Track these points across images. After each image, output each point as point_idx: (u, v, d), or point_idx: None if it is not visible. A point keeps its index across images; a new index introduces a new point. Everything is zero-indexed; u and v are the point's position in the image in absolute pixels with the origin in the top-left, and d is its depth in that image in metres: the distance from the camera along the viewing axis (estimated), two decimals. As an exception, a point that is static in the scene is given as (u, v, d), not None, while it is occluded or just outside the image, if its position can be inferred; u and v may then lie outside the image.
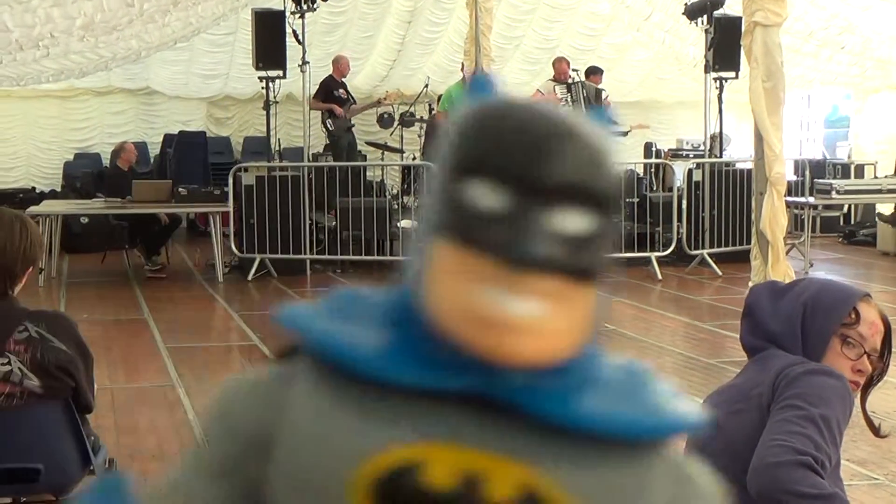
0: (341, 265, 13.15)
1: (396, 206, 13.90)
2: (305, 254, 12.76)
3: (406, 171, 15.09)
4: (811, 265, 13.04)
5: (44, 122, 18.74)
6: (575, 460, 1.01)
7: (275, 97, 13.17)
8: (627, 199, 14.55)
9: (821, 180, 14.67)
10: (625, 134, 15.55)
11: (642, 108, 19.28)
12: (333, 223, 13.25)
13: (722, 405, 2.65)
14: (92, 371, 3.81)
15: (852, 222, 17.09)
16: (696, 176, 13.52)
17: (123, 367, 8.15)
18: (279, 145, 14.65)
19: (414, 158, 15.58)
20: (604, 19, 17.86)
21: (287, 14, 13.05)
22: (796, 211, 14.44)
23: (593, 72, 15.19)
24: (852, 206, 17.01)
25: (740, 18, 11.44)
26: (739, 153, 15.87)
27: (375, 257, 13.11)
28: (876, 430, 2.82)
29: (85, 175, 17.58)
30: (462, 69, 13.68)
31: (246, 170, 13.18)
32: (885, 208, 15.61)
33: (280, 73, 12.93)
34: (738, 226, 13.27)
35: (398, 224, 13.18)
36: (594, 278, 1.02)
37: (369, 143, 16.57)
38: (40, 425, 3.70)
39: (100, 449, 4.00)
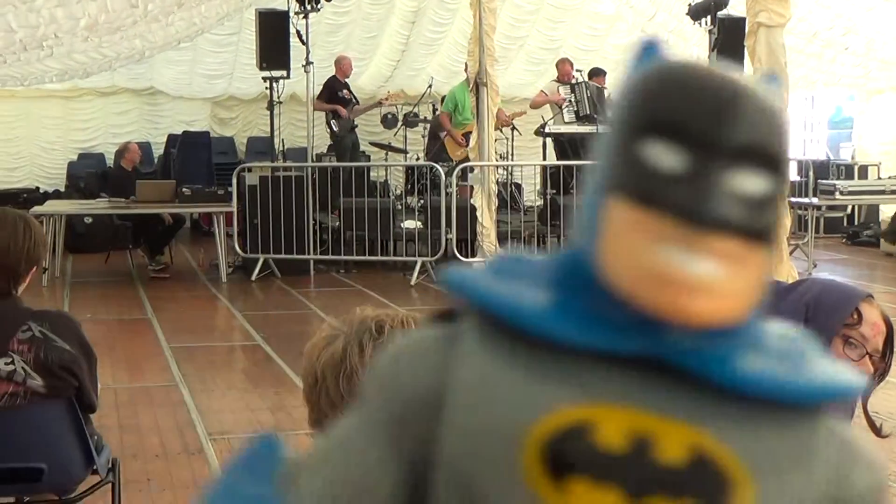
0: (345, 265, 13.16)
1: (400, 207, 13.91)
2: (309, 254, 12.77)
3: (409, 171, 15.10)
4: (814, 266, 13.04)
5: (48, 122, 18.76)
6: (742, 423, 1.00)
7: (278, 97, 13.18)
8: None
9: (824, 181, 14.67)
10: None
11: (646, 108, 19.26)
12: (337, 223, 13.26)
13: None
14: (95, 371, 3.81)
15: (856, 223, 17.09)
16: (700, 176, 13.50)
17: (127, 366, 8.16)
18: (283, 145, 14.67)
19: (417, 159, 15.58)
20: (608, 20, 17.86)
21: (291, 14, 13.07)
22: (800, 211, 14.44)
23: (597, 73, 15.19)
24: (856, 207, 17.02)
25: (744, 19, 11.43)
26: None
27: (379, 257, 13.12)
28: (877, 431, 2.82)
29: (89, 175, 17.61)
30: (465, 70, 13.69)
31: (250, 170, 13.19)
32: (889, 209, 15.60)
33: (284, 73, 12.94)
34: (742, 226, 13.24)
35: (402, 224, 13.18)
36: (769, 241, 1.03)
37: (373, 144, 16.58)
38: (43, 425, 3.70)
39: (103, 449, 4.00)
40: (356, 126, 15.60)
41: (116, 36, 12.72)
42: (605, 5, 17.38)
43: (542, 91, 14.86)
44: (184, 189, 13.04)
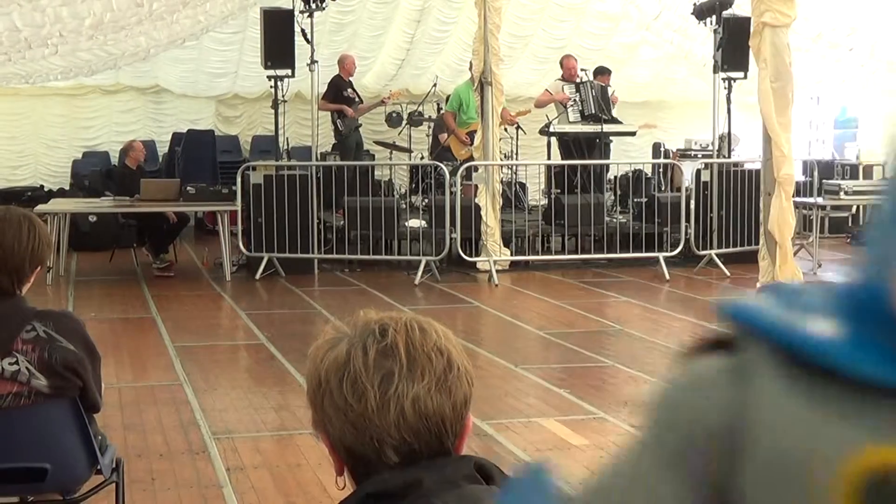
0: (349, 264, 13.16)
1: (404, 206, 13.91)
2: (313, 253, 12.77)
3: (414, 170, 15.10)
4: (819, 266, 13.03)
5: (52, 120, 18.77)
6: None
7: (283, 96, 13.18)
8: (635, 200, 14.57)
9: (829, 181, 14.66)
10: (633, 134, 15.56)
11: (651, 108, 19.27)
12: (341, 222, 13.26)
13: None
14: (99, 370, 3.81)
15: (860, 223, 17.07)
16: (705, 176, 13.51)
17: (131, 365, 8.16)
18: (287, 144, 14.67)
19: (422, 158, 15.58)
20: (613, 18, 17.84)
21: (296, 13, 13.07)
22: (804, 211, 14.43)
23: (601, 72, 15.16)
24: (860, 207, 17.00)
25: (749, 19, 11.44)
26: (748, 154, 15.86)
27: (383, 256, 13.12)
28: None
29: (93, 173, 17.61)
30: (470, 68, 13.68)
31: (254, 168, 13.19)
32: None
33: (289, 71, 12.94)
34: (747, 226, 13.27)
35: (406, 223, 13.19)
36: None
37: (378, 143, 16.59)
38: (47, 425, 3.71)
39: (107, 448, 4.01)
40: (360, 125, 15.60)
41: (121, 34, 12.72)
42: (610, 4, 17.36)
43: (546, 90, 14.84)
44: (188, 187, 13.04)
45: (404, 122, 16.28)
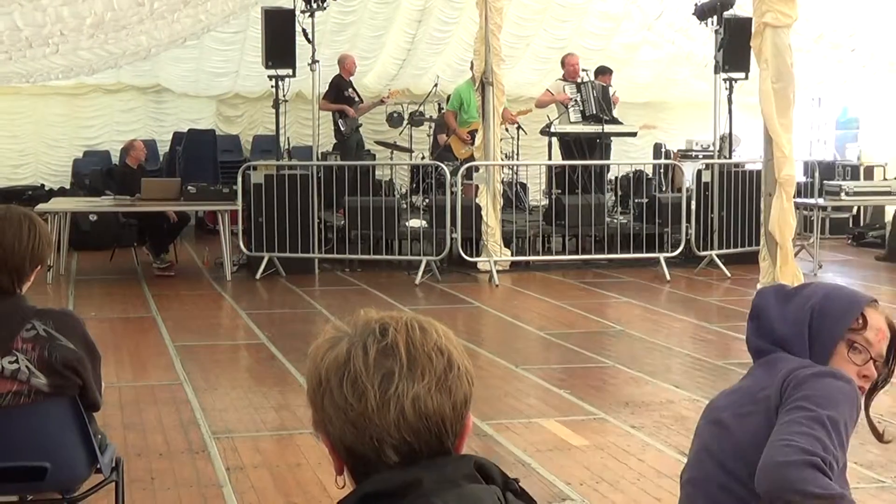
0: (350, 264, 13.17)
1: (405, 206, 13.91)
2: (314, 252, 12.78)
3: (415, 170, 15.10)
4: (820, 267, 13.03)
5: (53, 119, 18.78)
6: None
7: (284, 95, 13.18)
8: (636, 200, 14.57)
9: (830, 182, 14.65)
10: (634, 134, 15.56)
11: (652, 108, 19.28)
12: (342, 222, 13.26)
13: (729, 407, 2.66)
14: (99, 369, 3.81)
15: (861, 224, 17.07)
16: (706, 177, 13.51)
17: (131, 364, 8.16)
18: (288, 144, 14.68)
19: (423, 158, 15.58)
20: (614, 19, 17.84)
21: (297, 12, 13.07)
22: (805, 212, 14.43)
23: (602, 72, 15.15)
24: (861, 208, 17.01)
25: (750, 19, 11.43)
26: (749, 154, 15.85)
27: (384, 256, 13.12)
28: (879, 436, 2.83)
29: (94, 172, 17.62)
30: (471, 68, 13.68)
31: (255, 168, 13.20)
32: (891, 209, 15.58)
33: (290, 71, 12.94)
34: (747, 227, 13.27)
35: (407, 223, 13.19)
36: None
37: (378, 143, 16.59)
38: (47, 423, 3.70)
39: (107, 447, 4.00)
40: (360, 125, 15.61)
41: (122, 33, 12.71)
42: (611, 4, 17.36)
43: (547, 90, 14.83)
44: (189, 187, 13.04)
45: (405, 122, 16.29)
